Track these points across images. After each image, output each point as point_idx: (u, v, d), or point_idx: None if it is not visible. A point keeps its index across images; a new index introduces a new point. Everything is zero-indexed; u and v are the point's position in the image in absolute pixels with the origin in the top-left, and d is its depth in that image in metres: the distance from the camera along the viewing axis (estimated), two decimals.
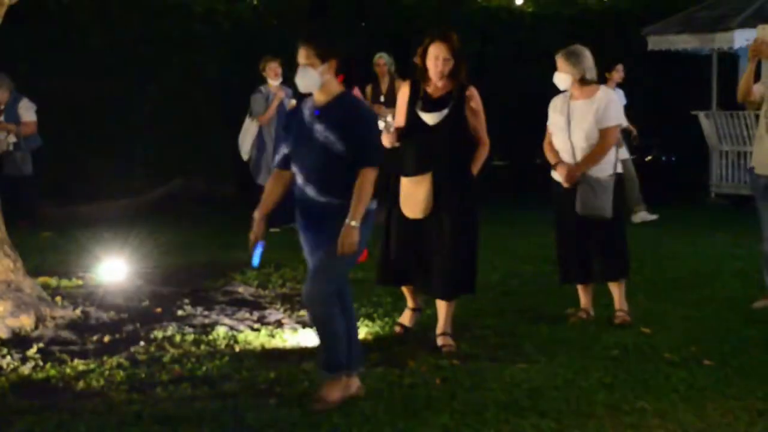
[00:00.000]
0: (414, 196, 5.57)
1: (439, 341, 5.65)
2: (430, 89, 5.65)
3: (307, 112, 4.71)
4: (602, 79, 11.21)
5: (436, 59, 5.60)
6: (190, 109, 13.17)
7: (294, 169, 4.73)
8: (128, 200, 12.35)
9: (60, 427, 4.24)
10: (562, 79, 6.27)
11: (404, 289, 6.01)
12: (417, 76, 5.71)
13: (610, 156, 6.27)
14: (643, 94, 14.16)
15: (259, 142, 10.90)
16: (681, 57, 14.61)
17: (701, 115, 13.83)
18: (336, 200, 4.59)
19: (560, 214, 6.37)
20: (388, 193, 5.70)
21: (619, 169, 6.44)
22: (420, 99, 5.64)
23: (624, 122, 6.66)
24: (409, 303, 6.03)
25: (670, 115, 14.85)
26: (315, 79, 4.63)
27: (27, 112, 10.91)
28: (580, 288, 6.46)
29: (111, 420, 4.36)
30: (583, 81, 6.24)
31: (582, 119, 6.22)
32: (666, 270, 8.32)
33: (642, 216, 11.43)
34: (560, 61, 6.24)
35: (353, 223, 4.51)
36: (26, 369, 5.18)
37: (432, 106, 5.61)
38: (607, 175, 6.24)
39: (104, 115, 12.65)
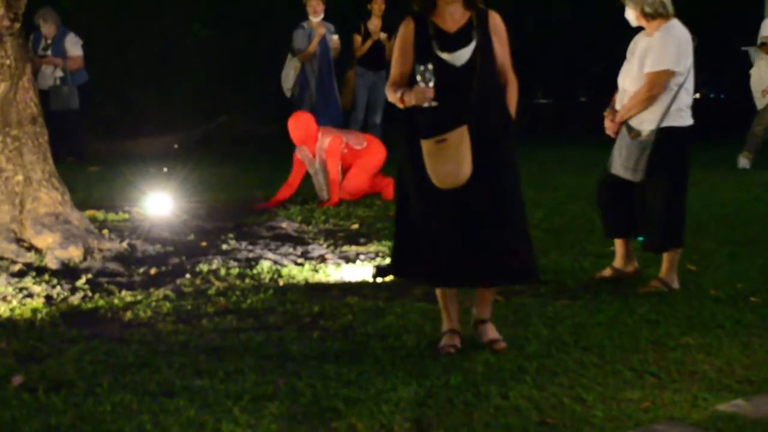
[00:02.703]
0: (449, 159, 4.24)
1: (486, 334, 4.48)
2: (443, 23, 4.38)
3: None
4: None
5: None
6: (234, 46, 13.15)
7: None
8: (172, 136, 12.45)
9: (109, 355, 4.32)
10: (628, 14, 5.52)
11: (441, 300, 4.53)
12: (421, 6, 4.42)
13: (658, 107, 5.37)
14: (692, 30, 13.88)
15: (302, 78, 10.87)
16: None
17: (751, 50, 13.51)
18: None
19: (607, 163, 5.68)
20: (402, 164, 4.49)
21: (674, 123, 5.41)
22: (433, 38, 4.36)
23: (678, 68, 5.38)
24: (447, 323, 4.52)
25: (719, 51, 14.57)
26: None
27: (73, 46, 10.97)
28: (617, 242, 5.79)
29: (158, 349, 4.43)
30: (645, 15, 5.41)
31: (636, 60, 5.48)
32: (712, 207, 8.22)
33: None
34: None
35: None
36: (75, 299, 5.28)
37: (453, 42, 4.36)
38: (648, 131, 5.38)
39: (149, 51, 12.68)
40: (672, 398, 3.89)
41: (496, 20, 4.44)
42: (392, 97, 4.40)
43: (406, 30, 4.43)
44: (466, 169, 4.25)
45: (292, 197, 8.48)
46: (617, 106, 5.59)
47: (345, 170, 8.53)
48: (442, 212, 4.31)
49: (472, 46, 4.35)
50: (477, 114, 4.31)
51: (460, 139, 4.25)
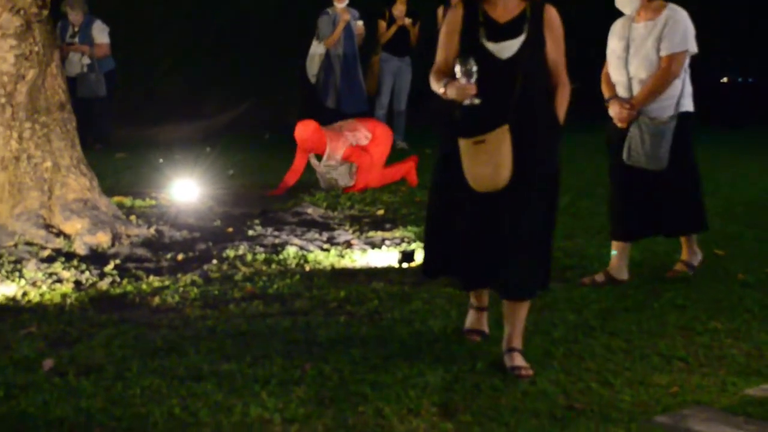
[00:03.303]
0: (487, 162, 3.95)
1: (512, 361, 4.06)
2: (494, 11, 4.05)
3: None
4: None
5: None
6: (259, 32, 13.17)
7: None
8: (198, 123, 12.50)
9: (138, 340, 4.36)
10: (625, 0, 5.35)
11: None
12: None
13: (673, 91, 5.26)
14: (718, 13, 13.73)
15: (327, 64, 10.88)
16: None
17: None
18: None
19: (613, 158, 5.44)
20: (438, 160, 4.23)
21: (686, 108, 5.34)
22: (482, 25, 4.04)
23: (694, 49, 5.29)
24: (475, 300, 4.47)
25: (748, 34, 14.41)
26: None
27: (100, 33, 11.02)
28: (621, 246, 5.46)
29: (186, 334, 4.46)
30: None
31: (641, 45, 5.28)
32: (741, 191, 8.17)
33: None
34: None
35: None
36: (104, 284, 5.32)
37: (501, 33, 4.02)
38: (667, 116, 5.24)
39: (175, 38, 12.73)
40: (700, 383, 3.88)
41: (552, 15, 4.08)
42: (435, 85, 4.10)
43: (454, 15, 4.13)
44: (504, 173, 3.94)
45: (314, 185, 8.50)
46: (621, 94, 5.36)
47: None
48: (473, 213, 4.04)
49: (521, 39, 4.00)
50: (520, 115, 3.95)
51: (500, 141, 3.93)
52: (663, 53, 5.26)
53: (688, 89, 5.37)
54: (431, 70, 4.15)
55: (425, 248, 4.32)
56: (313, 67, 10.99)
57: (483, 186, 3.98)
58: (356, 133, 8.49)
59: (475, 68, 3.90)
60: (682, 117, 5.31)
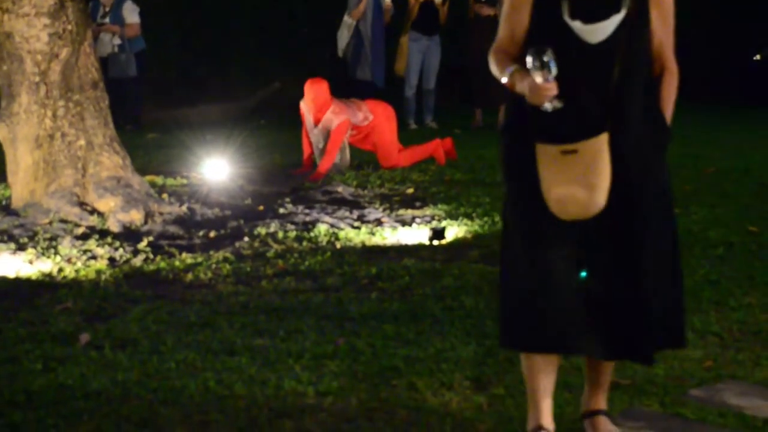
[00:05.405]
0: (578, 180, 2.92)
1: (602, 426, 3.16)
2: None
3: None
4: None
5: None
6: (290, 12, 13.18)
7: None
8: (228, 103, 12.54)
9: (172, 315, 4.39)
10: None
11: (531, 382, 3.13)
12: None
13: None
14: None
15: (356, 38, 10.95)
16: None
17: None
18: None
19: None
20: (509, 179, 3.11)
21: None
22: None
23: None
24: (534, 418, 3.14)
25: None
26: None
27: (131, 14, 11.07)
28: None
29: (219, 309, 4.50)
30: None
31: None
32: None
33: None
34: None
35: None
36: (138, 261, 5.37)
37: (591, 8, 2.94)
38: None
39: (205, 19, 12.76)
40: (735, 357, 3.86)
41: None
42: (498, 71, 3.08)
43: None
44: (600, 196, 2.92)
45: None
46: None
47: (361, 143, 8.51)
48: (559, 252, 2.99)
49: (620, 16, 2.94)
50: (619, 117, 2.96)
51: (597, 153, 2.91)
52: None
53: None
54: (491, 49, 3.13)
55: (501, 308, 3.13)
56: (342, 40, 11.07)
57: (568, 212, 2.94)
58: (359, 112, 8.41)
59: (554, 62, 2.88)
60: None
